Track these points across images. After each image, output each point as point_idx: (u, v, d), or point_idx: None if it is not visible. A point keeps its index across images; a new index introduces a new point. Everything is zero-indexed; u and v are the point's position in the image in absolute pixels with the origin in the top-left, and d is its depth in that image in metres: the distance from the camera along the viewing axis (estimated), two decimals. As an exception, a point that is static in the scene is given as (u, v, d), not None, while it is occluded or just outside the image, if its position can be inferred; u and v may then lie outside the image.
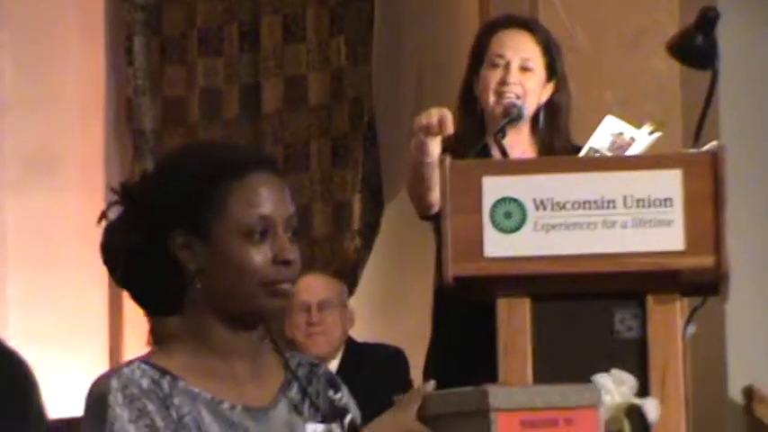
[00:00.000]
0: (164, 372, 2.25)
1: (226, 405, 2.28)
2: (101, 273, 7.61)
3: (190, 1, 7.02)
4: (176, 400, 2.24)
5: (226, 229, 2.27)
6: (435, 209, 4.18)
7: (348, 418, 2.41)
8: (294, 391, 2.38)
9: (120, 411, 2.20)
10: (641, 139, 4.33)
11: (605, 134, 4.33)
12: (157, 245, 2.28)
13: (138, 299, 2.37)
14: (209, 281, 2.27)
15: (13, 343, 6.17)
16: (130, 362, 2.31)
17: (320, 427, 2.37)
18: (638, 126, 4.44)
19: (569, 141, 4.45)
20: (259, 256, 2.27)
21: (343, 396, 2.46)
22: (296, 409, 2.38)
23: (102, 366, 7.69)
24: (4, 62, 7.51)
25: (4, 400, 5.49)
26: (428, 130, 4.13)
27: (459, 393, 2.40)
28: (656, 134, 4.29)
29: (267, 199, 2.29)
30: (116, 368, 2.28)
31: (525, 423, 2.34)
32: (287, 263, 2.31)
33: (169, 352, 2.31)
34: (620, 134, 4.33)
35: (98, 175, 7.29)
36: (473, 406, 2.35)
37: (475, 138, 4.31)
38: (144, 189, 2.33)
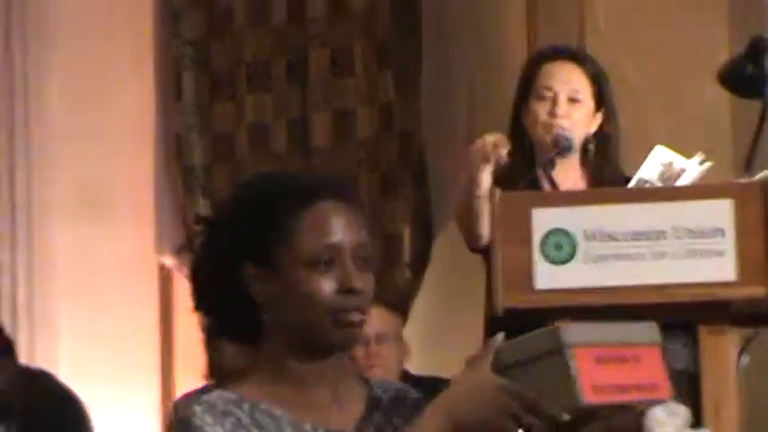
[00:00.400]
0: (242, 398, 2.20)
1: (308, 427, 2.22)
2: (151, 307, 7.70)
3: (238, 35, 6.93)
4: (259, 419, 2.19)
5: (292, 259, 2.22)
6: (485, 240, 4.14)
7: None
8: (377, 419, 2.30)
9: (211, 429, 2.14)
10: (691, 169, 4.28)
11: (655, 164, 4.33)
12: (234, 275, 2.24)
13: (219, 328, 2.32)
14: (279, 312, 2.23)
15: (64, 378, 6.24)
16: (203, 392, 2.32)
17: None
18: (689, 156, 4.43)
19: (619, 172, 4.40)
20: (325, 285, 2.21)
21: None
22: None
23: (153, 402, 7.76)
24: (57, 94, 7.35)
25: None
26: (483, 154, 4.07)
27: (531, 338, 2.29)
28: (707, 164, 4.27)
29: (333, 227, 2.23)
30: (191, 397, 2.30)
31: (600, 359, 2.23)
32: (353, 291, 2.23)
33: (242, 383, 2.25)
34: (670, 164, 4.32)
35: (148, 210, 7.19)
36: (547, 346, 2.24)
37: (524, 169, 4.28)
38: (218, 219, 2.31)
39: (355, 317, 2.24)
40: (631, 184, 4.34)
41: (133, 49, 7.66)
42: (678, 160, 4.33)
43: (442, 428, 2.20)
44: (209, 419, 2.16)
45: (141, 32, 7.72)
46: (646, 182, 4.31)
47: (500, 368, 2.26)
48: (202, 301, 2.30)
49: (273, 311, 2.24)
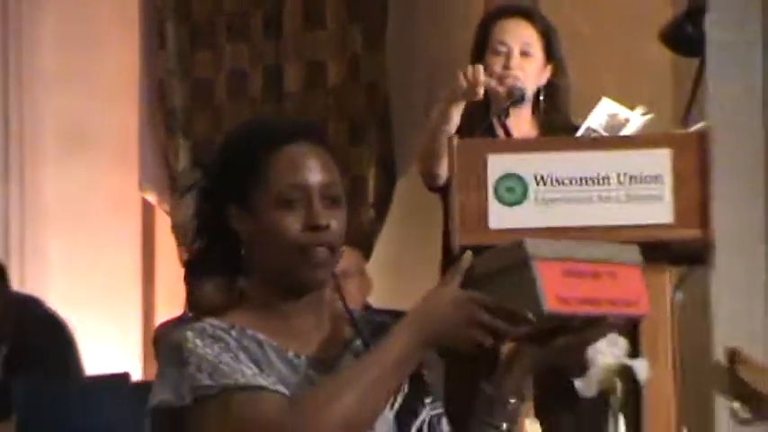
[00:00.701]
0: (231, 325, 2.28)
1: (291, 354, 2.30)
2: (134, 241, 8.04)
3: (217, -11, 7.96)
4: (246, 345, 2.27)
5: (266, 199, 2.30)
6: (443, 180, 4.39)
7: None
8: (358, 347, 2.37)
9: (202, 351, 2.23)
10: (634, 119, 4.46)
11: (601, 114, 4.48)
12: (220, 216, 2.34)
13: (205, 264, 2.41)
14: (258, 251, 2.32)
15: (55, 305, 6.57)
16: (182, 320, 2.57)
17: None
18: (633, 108, 4.65)
19: (568, 121, 4.61)
20: (292, 222, 2.29)
21: None
22: None
23: (135, 330, 7.89)
24: (46, 41, 7.77)
25: (47, 358, 5.87)
26: (459, 91, 4.26)
27: (498, 251, 2.31)
28: (649, 116, 4.45)
29: (301, 168, 2.30)
30: (174, 324, 2.40)
31: (567, 272, 2.26)
32: (319, 228, 2.29)
33: (231, 314, 2.33)
34: (615, 115, 4.48)
35: (132, 151, 7.64)
36: (512, 259, 2.27)
37: (480, 118, 4.47)
38: (205, 166, 2.41)
39: (321, 253, 2.28)
40: (579, 133, 4.48)
41: (120, 0, 7.74)
42: (622, 112, 4.48)
43: (413, 344, 2.26)
44: (199, 343, 2.23)
45: (127, -16, 8.17)
46: (593, 131, 4.47)
47: (468, 283, 2.29)
48: (191, 239, 2.39)
49: (253, 250, 2.32)
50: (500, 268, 2.32)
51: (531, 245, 2.26)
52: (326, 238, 2.30)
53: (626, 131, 4.46)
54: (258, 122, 2.54)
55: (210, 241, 2.38)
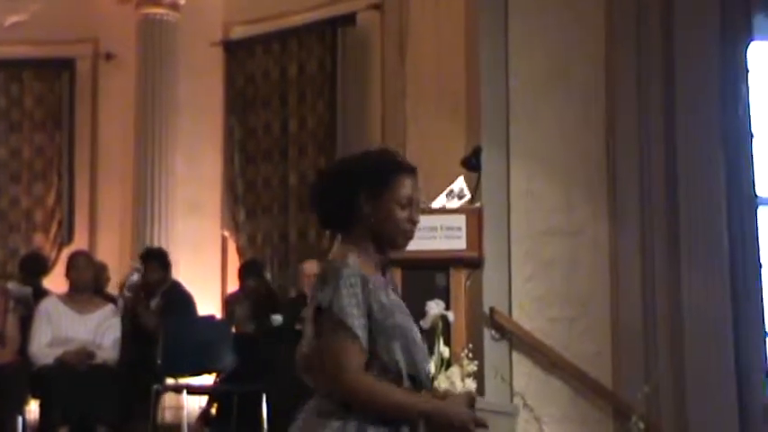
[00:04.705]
0: (361, 276, 2.84)
1: (391, 290, 2.91)
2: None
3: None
4: (363, 290, 2.85)
5: (391, 197, 2.92)
6: None
7: None
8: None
9: (344, 292, 2.81)
10: (468, 193, 6.00)
11: (457, 186, 6.16)
12: (353, 196, 2.90)
13: (329, 221, 3.00)
14: (376, 222, 2.91)
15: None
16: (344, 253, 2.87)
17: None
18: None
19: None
20: (403, 216, 2.93)
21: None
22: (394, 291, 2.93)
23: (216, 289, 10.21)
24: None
25: (182, 308, 8.28)
26: None
27: (495, 403, 2.92)
28: (468, 195, 6.08)
29: (411, 188, 2.94)
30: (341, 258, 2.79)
31: None
32: (414, 222, 2.94)
33: (351, 257, 2.86)
34: (462, 188, 6.22)
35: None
36: (505, 408, 2.84)
37: None
38: (349, 166, 2.98)
39: (411, 235, 2.96)
40: (445, 193, 6.08)
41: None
42: (465, 186, 6.19)
43: (428, 411, 2.88)
44: (343, 288, 2.82)
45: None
46: (452, 191, 6.20)
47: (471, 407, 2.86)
48: (326, 208, 2.94)
49: (372, 220, 2.91)
50: (494, 411, 3.04)
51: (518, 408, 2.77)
52: (415, 228, 2.96)
53: (464, 198, 6.12)
54: (393, 153, 3.07)
55: (343, 208, 2.92)
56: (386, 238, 2.95)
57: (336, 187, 2.97)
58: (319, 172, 3.30)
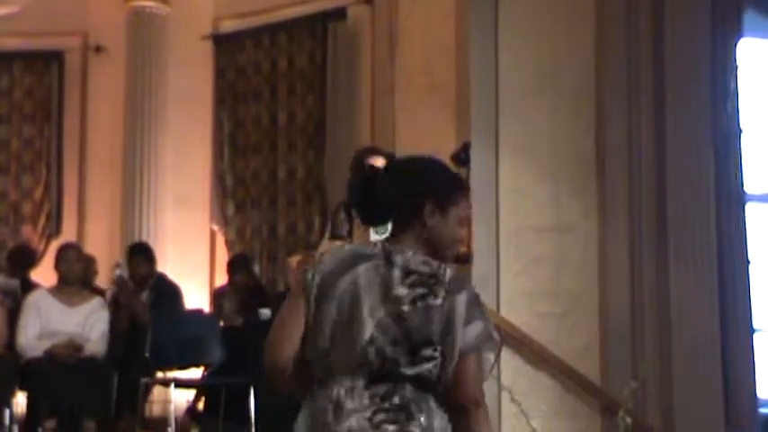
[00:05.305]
0: None
1: None
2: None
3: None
4: None
5: (455, 214, 3.06)
6: None
7: None
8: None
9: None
10: None
11: None
12: (418, 205, 3.00)
13: (382, 216, 3.10)
14: (434, 231, 3.02)
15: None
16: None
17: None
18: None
19: None
20: (459, 232, 3.08)
21: None
22: None
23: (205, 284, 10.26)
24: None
25: (169, 302, 8.58)
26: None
27: None
28: None
29: (468, 208, 3.12)
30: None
31: None
32: (463, 242, 3.14)
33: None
34: None
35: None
36: None
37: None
38: (419, 177, 3.07)
39: (458, 252, 3.11)
40: None
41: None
42: None
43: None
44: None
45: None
46: None
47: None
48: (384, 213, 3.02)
49: (432, 230, 3.02)
50: None
51: None
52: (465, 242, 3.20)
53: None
54: (456, 175, 3.21)
55: (400, 210, 3.04)
56: (438, 249, 3.04)
57: (404, 190, 3.06)
58: (382, 169, 3.16)
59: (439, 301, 2.88)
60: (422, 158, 3.16)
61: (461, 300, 2.91)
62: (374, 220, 3.15)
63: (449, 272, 2.92)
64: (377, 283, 2.91)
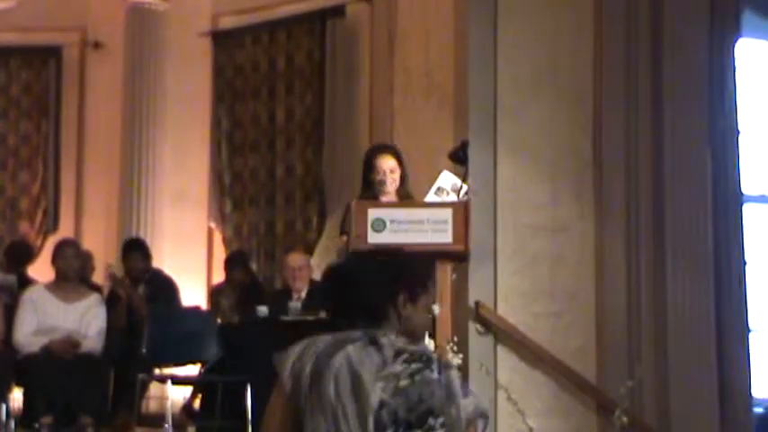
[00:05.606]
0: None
1: None
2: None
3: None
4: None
5: (426, 301, 3.15)
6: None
7: None
8: None
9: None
10: (463, 185, 5.92)
11: (446, 180, 6.04)
12: (391, 295, 3.07)
13: (361, 315, 3.09)
14: (408, 321, 3.09)
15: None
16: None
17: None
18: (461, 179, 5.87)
19: (408, 193, 6.21)
20: (428, 319, 3.20)
21: None
22: None
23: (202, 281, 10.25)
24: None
25: (166, 297, 8.55)
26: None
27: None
28: (466, 184, 5.93)
29: (433, 296, 3.22)
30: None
31: None
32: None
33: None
34: (455, 182, 6.06)
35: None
36: None
37: (371, 195, 6.11)
38: (390, 273, 3.12)
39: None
40: (433, 190, 5.95)
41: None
42: (457, 180, 6.05)
43: None
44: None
45: None
46: (442, 188, 6.08)
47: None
48: (362, 305, 3.06)
49: (405, 319, 3.09)
50: None
51: None
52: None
53: (463, 191, 5.95)
54: (422, 264, 3.29)
55: (379, 304, 3.10)
56: (413, 333, 3.12)
57: (379, 290, 3.12)
58: (356, 267, 3.26)
59: (435, 374, 2.94)
60: (392, 257, 3.26)
61: (454, 375, 2.98)
62: (354, 320, 3.14)
63: (434, 351, 3.04)
64: (370, 360, 2.94)
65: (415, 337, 3.09)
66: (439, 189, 5.95)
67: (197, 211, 10.28)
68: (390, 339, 2.99)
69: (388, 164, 6.26)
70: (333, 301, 3.21)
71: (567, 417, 7.17)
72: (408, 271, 3.16)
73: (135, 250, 8.79)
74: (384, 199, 6.15)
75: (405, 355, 2.96)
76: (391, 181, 6.23)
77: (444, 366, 2.96)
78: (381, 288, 3.09)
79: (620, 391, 6.45)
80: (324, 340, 3.00)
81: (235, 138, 10.40)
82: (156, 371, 7.93)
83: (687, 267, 7.31)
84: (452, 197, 5.92)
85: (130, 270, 8.72)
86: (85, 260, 8.94)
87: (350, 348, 2.95)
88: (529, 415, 6.61)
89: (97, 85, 10.71)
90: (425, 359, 2.95)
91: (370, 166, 6.25)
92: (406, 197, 6.15)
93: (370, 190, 6.24)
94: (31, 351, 7.49)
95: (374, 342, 2.98)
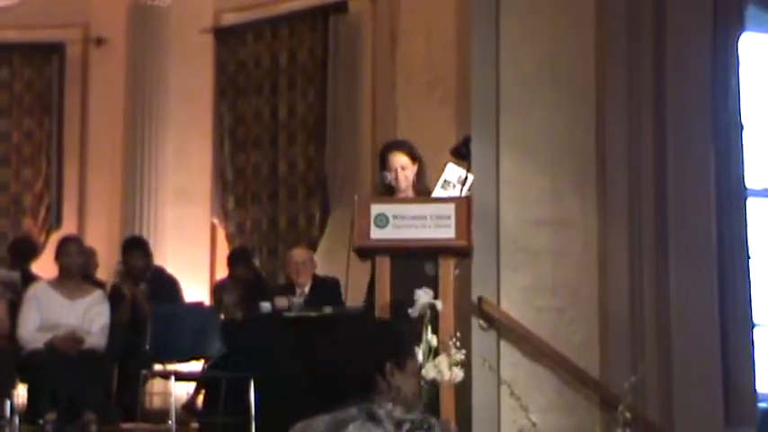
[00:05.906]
0: None
1: None
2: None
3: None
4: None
5: (414, 367, 3.16)
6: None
7: None
8: None
9: None
10: (469, 176, 5.85)
11: (452, 173, 5.94)
12: (380, 366, 3.06)
13: (354, 388, 3.06)
14: (399, 389, 3.08)
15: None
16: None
17: None
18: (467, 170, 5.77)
19: (426, 188, 6.05)
20: (418, 384, 3.24)
21: None
22: None
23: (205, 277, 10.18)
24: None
25: (168, 294, 8.50)
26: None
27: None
28: (472, 175, 5.90)
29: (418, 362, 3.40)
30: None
31: None
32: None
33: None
34: (460, 174, 5.97)
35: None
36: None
37: (387, 191, 6.06)
38: (376, 343, 3.12)
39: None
40: (440, 183, 5.86)
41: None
42: (462, 171, 5.96)
43: None
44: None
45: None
46: (449, 181, 5.99)
47: None
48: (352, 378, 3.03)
49: (396, 388, 3.07)
50: None
51: None
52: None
53: (468, 182, 5.86)
54: (408, 325, 3.58)
55: (368, 375, 3.09)
56: (405, 400, 3.10)
57: (365, 363, 3.12)
58: (342, 343, 3.23)
59: None
60: (372, 328, 3.33)
61: None
62: (344, 396, 3.10)
63: (433, 419, 2.97)
64: None
65: (409, 404, 3.05)
66: (445, 182, 5.94)
67: (200, 208, 10.26)
68: (387, 410, 2.95)
69: (399, 161, 6.23)
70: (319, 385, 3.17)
71: (571, 412, 7.17)
72: (392, 338, 3.16)
73: (135, 249, 8.80)
74: (400, 195, 6.18)
75: (406, 426, 2.93)
76: (403, 178, 6.20)
77: (444, 429, 2.94)
78: (367, 360, 3.09)
79: (623, 386, 6.38)
80: (323, 421, 2.95)
81: (237, 134, 10.39)
82: (160, 367, 7.96)
83: (690, 262, 7.35)
84: (458, 190, 5.90)
85: (132, 268, 8.73)
86: (89, 256, 8.94)
87: (351, 429, 2.91)
88: (532, 410, 6.50)
89: (100, 82, 10.71)
90: (427, 427, 2.93)
91: (383, 163, 6.26)
92: (424, 192, 6.11)
93: (386, 186, 6.21)
94: (34, 347, 7.50)
95: (372, 417, 2.93)
